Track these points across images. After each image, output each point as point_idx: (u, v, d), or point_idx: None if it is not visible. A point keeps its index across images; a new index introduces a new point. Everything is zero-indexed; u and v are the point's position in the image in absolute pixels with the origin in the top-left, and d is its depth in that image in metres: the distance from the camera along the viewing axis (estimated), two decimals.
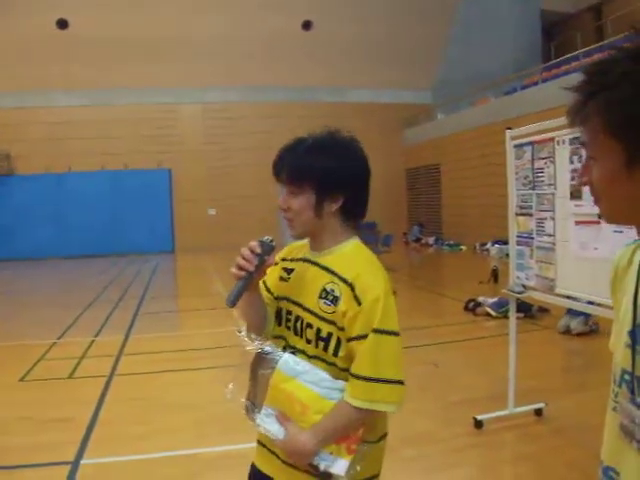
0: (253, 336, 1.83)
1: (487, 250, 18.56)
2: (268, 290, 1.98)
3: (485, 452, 4.30)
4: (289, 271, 1.95)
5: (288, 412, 1.76)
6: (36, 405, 5.49)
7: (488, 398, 5.16)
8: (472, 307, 9.45)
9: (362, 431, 1.76)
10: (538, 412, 4.82)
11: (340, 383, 1.75)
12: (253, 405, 1.84)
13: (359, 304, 1.71)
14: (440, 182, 23.66)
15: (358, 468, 1.76)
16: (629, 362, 1.17)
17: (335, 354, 1.77)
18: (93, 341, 8.18)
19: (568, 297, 4.09)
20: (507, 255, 16.14)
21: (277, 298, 1.95)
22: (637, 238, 1.22)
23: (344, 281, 1.75)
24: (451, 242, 21.83)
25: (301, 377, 1.75)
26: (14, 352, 7.79)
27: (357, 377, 1.70)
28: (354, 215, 1.88)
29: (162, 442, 4.50)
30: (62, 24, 22.41)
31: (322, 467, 1.73)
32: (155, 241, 23.76)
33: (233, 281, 1.76)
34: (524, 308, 8.26)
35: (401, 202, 26.44)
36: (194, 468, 4.09)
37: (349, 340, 1.74)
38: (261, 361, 1.80)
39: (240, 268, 1.76)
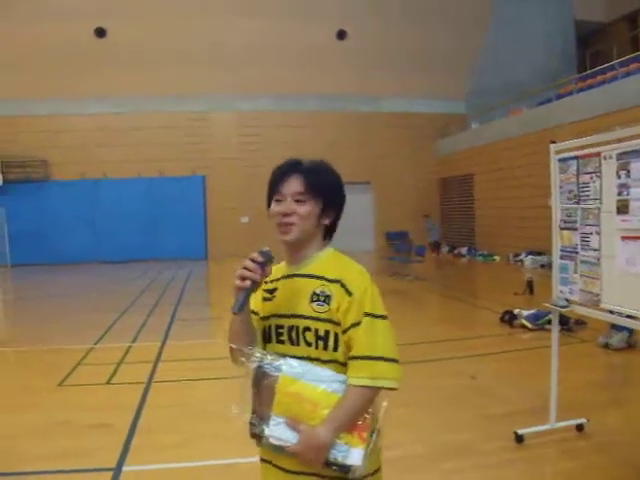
0: (258, 353, 1.91)
1: (521, 261, 18.37)
2: (253, 312, 2.06)
3: (526, 467, 4.24)
4: (271, 291, 2.06)
5: (298, 414, 1.83)
6: (75, 410, 5.54)
7: (528, 412, 5.10)
8: (508, 319, 9.35)
9: (370, 418, 1.86)
10: (580, 428, 4.75)
11: (343, 376, 1.87)
12: (260, 419, 1.89)
13: (350, 295, 1.89)
14: (473, 192, 23.51)
15: (367, 466, 1.85)
16: None
17: (335, 349, 1.90)
18: (130, 347, 8.26)
19: (612, 312, 4.04)
20: (541, 266, 16.14)
21: (263, 318, 2.05)
22: None
23: (332, 281, 1.93)
24: (484, 252, 21.66)
25: (305, 377, 1.85)
26: (52, 357, 7.89)
27: (356, 358, 1.86)
28: (332, 232, 2.10)
29: (202, 450, 4.52)
30: (100, 33, 22.81)
31: (340, 459, 1.80)
32: (188, 248, 23.92)
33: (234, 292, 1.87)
34: (562, 321, 8.15)
35: (434, 212, 26.32)
36: (236, 477, 4.10)
37: (345, 331, 1.89)
38: (263, 374, 1.87)
39: (244, 279, 1.86)
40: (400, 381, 1.87)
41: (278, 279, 2.05)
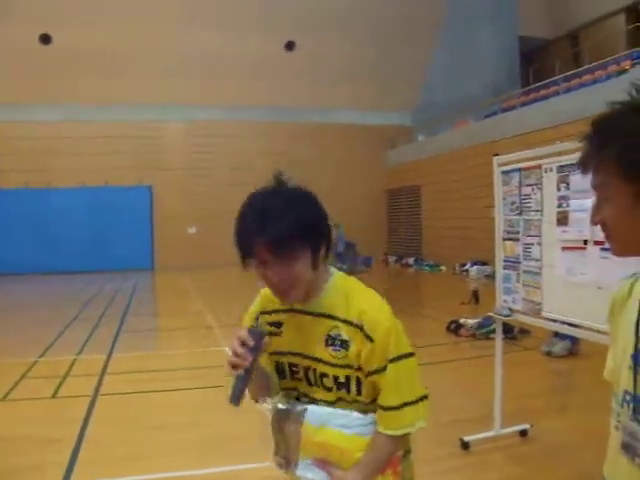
0: (279, 398, 1.87)
1: (466, 271, 18.70)
2: None
3: (473, 473, 4.35)
4: (277, 325, 1.89)
5: (327, 459, 1.77)
6: (20, 425, 5.42)
7: (474, 419, 5.21)
8: (454, 328, 9.52)
9: (400, 455, 1.84)
10: (523, 433, 4.87)
11: (370, 417, 1.78)
12: (287, 460, 1.84)
13: (371, 341, 1.72)
14: (420, 203, 23.86)
15: None
16: (631, 383, 1.27)
17: (358, 393, 1.78)
18: (75, 359, 8.11)
19: (553, 320, 4.17)
20: (486, 276, 16.45)
21: (273, 354, 1.90)
22: (635, 272, 1.35)
23: (349, 323, 1.75)
24: (431, 262, 21.97)
25: (330, 423, 1.76)
26: None
27: (385, 409, 1.75)
28: (329, 251, 1.81)
29: (149, 464, 4.48)
30: (45, 39, 22.40)
31: None
32: (135, 258, 23.62)
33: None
34: (506, 330, 8.33)
35: (382, 223, 26.59)
36: None
37: (368, 375, 1.76)
38: (283, 417, 1.82)
39: (235, 366, 1.68)
40: (427, 416, 1.78)
41: (285, 311, 1.87)
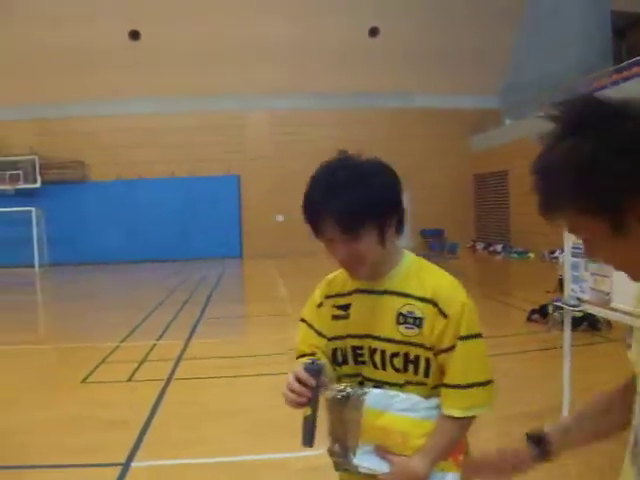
0: (337, 384, 1.79)
1: (556, 258, 18.08)
2: (320, 334, 1.88)
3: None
4: (345, 307, 1.84)
5: (388, 445, 1.71)
6: (94, 407, 5.65)
7: (544, 412, 5.03)
8: (535, 318, 9.23)
9: (464, 440, 1.79)
10: None
11: (434, 401, 1.74)
12: (344, 449, 1.78)
13: (445, 317, 1.69)
14: (508, 188, 23.24)
15: None
16: None
17: (426, 374, 1.74)
18: (155, 345, 8.36)
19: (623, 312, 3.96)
20: None
21: (332, 339, 1.86)
22: None
23: (423, 300, 1.71)
24: (519, 249, 21.41)
25: (393, 407, 1.71)
26: (80, 354, 8.07)
27: (452, 387, 1.71)
28: (402, 228, 1.78)
29: (212, 448, 4.57)
30: (134, 35, 23.15)
31: None
32: (223, 247, 24.12)
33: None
34: (591, 320, 8.02)
35: (469, 209, 26.09)
36: (243, 474, 4.13)
37: (437, 353, 1.72)
38: (342, 403, 1.74)
39: (292, 402, 1.65)
40: (494, 402, 1.74)
41: (350, 293, 1.83)
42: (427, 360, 1.72)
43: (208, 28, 23.08)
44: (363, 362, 1.80)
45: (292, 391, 1.63)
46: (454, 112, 24.99)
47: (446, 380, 1.71)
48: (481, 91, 25.03)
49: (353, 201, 1.59)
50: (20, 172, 23.75)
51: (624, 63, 18.92)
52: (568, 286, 4.48)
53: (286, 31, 23.40)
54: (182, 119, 24.24)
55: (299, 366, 1.66)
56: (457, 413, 1.68)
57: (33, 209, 22.66)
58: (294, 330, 1.86)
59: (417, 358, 1.72)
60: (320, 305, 1.90)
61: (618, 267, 1.16)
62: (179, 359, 7.48)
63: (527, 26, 23.52)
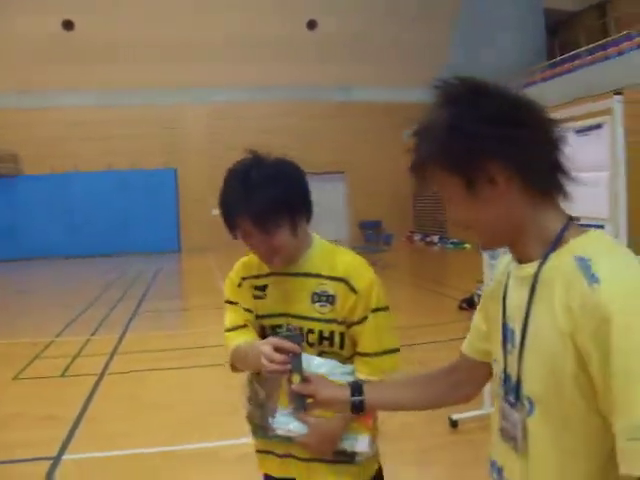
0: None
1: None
2: (247, 310, 2.01)
3: (459, 451, 4.39)
4: (261, 288, 1.98)
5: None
6: (26, 403, 5.63)
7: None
8: (466, 306, 9.51)
9: None
10: None
11: (350, 367, 1.89)
12: (264, 413, 1.91)
13: (355, 292, 1.85)
14: None
15: (374, 446, 1.94)
16: (502, 359, 1.29)
17: (341, 347, 1.90)
18: (89, 340, 8.31)
19: None
20: None
21: (257, 317, 1.99)
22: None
23: (334, 279, 1.87)
24: (455, 240, 21.84)
25: (310, 369, 1.77)
26: (12, 350, 7.94)
27: (366, 355, 1.89)
28: (310, 214, 1.91)
29: (144, 439, 4.62)
30: (68, 25, 22.69)
31: (347, 448, 1.87)
32: (161, 240, 23.91)
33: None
34: None
35: (408, 201, 26.43)
36: (176, 464, 4.20)
37: (350, 325, 1.89)
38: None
39: (275, 372, 1.68)
40: (399, 369, 1.91)
41: (267, 275, 1.97)
42: (341, 334, 1.89)
43: (147, 21, 22.76)
44: None
45: (273, 361, 1.66)
46: (393, 105, 25.16)
47: (359, 349, 1.89)
48: (418, 84, 25.38)
49: (267, 201, 1.72)
50: None
51: (556, 59, 19.53)
52: (487, 275, 4.68)
53: (225, 26, 23.26)
54: (119, 112, 23.86)
55: (274, 338, 1.71)
56: (373, 378, 1.81)
57: None
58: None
59: (332, 334, 1.88)
60: (239, 285, 2.03)
61: (475, 233, 1.30)
62: (113, 353, 7.47)
63: (463, 21, 23.97)
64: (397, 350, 1.93)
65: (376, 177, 25.20)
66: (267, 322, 1.97)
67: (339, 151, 24.73)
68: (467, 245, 20.94)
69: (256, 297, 1.98)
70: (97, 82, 23.21)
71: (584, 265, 1.08)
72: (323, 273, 1.88)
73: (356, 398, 1.53)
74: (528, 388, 1.19)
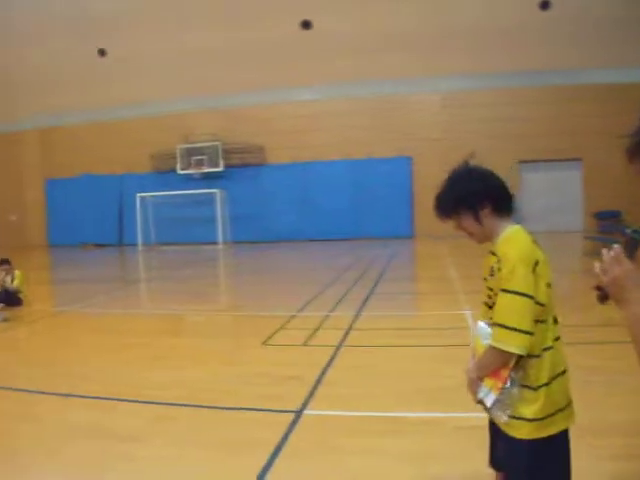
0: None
1: None
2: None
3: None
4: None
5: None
6: (273, 364, 6.27)
7: None
8: None
9: (507, 373, 2.25)
10: None
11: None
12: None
13: (500, 271, 2.28)
14: None
15: (508, 411, 2.26)
16: None
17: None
18: (328, 315, 8.87)
19: None
20: None
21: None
22: None
23: (497, 256, 2.34)
24: None
25: (479, 334, 2.43)
26: (262, 321, 8.79)
27: (493, 324, 2.31)
28: (507, 206, 2.43)
29: (374, 403, 4.94)
30: (306, 25, 24.12)
31: (480, 396, 2.38)
32: (395, 227, 24.52)
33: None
34: None
35: None
36: (395, 428, 4.42)
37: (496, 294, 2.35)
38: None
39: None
40: (523, 349, 2.20)
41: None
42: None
43: (376, 17, 23.55)
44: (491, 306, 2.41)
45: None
46: (625, 87, 23.16)
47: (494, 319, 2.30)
48: None
49: (444, 201, 2.51)
50: (205, 157, 25.59)
51: None
52: None
53: (450, 14, 23.28)
54: (352, 103, 24.89)
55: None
56: (492, 343, 2.27)
57: (217, 191, 24.37)
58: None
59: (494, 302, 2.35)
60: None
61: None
62: (349, 329, 7.89)
63: None
64: (516, 330, 2.19)
65: (611, 164, 23.48)
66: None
67: (573, 137, 23.40)
68: None
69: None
70: (332, 76, 24.47)
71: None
72: (497, 253, 2.35)
73: None
74: None
